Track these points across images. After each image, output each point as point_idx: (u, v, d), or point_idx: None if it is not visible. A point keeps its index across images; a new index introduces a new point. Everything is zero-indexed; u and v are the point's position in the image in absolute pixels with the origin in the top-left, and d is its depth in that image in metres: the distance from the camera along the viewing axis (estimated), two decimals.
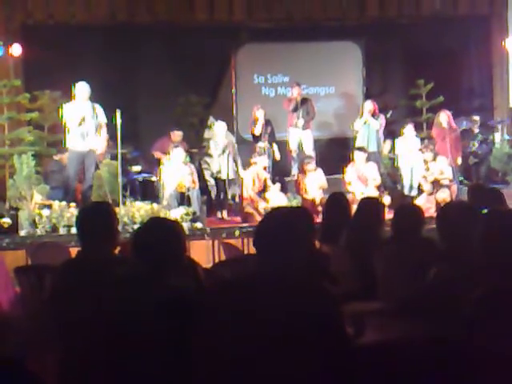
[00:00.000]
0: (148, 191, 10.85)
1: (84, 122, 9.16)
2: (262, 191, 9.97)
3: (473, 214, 3.45)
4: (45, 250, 7.24)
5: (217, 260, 8.14)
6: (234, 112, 12.98)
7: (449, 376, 2.62)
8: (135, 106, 12.11)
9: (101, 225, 3.62)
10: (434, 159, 10.69)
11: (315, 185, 10.15)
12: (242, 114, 12.67)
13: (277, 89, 13.23)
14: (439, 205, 9.48)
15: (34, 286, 5.27)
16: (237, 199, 10.53)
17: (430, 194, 10.40)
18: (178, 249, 3.17)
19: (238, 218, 9.89)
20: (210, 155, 10.41)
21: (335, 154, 12.08)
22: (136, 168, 11.19)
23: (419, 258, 3.87)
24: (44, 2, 11.34)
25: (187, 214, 8.96)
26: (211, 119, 11.70)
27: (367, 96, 12.67)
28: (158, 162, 10.59)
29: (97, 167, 9.57)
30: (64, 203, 8.91)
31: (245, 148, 11.39)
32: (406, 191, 10.97)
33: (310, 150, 11.30)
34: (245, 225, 9.28)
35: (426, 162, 10.71)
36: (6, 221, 8.80)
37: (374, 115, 11.23)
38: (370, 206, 5.46)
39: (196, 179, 9.77)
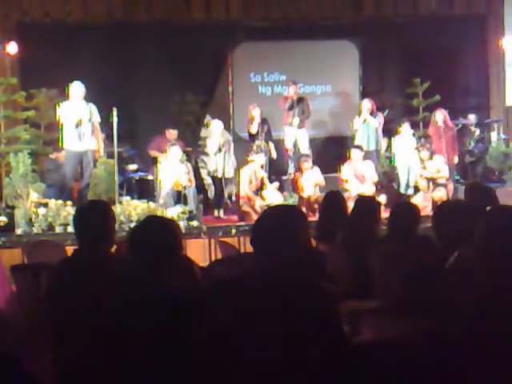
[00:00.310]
0: (144, 190, 10.86)
1: (81, 124, 9.16)
2: (259, 189, 9.97)
3: (469, 212, 3.45)
4: (41, 249, 7.24)
5: (213, 259, 8.13)
6: (231, 110, 12.95)
7: (446, 375, 2.62)
8: (132, 105, 12.07)
9: (98, 223, 3.61)
10: (431, 158, 10.70)
11: (312, 183, 10.16)
12: (239, 112, 12.64)
13: (273, 87, 13.21)
14: (435, 203, 9.50)
15: (30, 284, 5.26)
16: (233, 198, 10.53)
17: (427, 192, 10.41)
18: (174, 247, 3.17)
19: (235, 217, 9.90)
20: (206, 154, 10.40)
21: (331, 152, 12.07)
22: (132, 166, 11.18)
23: (415, 256, 3.88)
24: (40, 0, 11.33)
25: (184, 213, 8.96)
26: (208, 118, 11.69)
27: (364, 95, 12.68)
28: (155, 161, 10.58)
29: (94, 165, 9.57)
30: (60, 202, 8.89)
31: (241, 146, 11.39)
32: (402, 190, 10.99)
33: (305, 148, 11.29)
34: (241, 224, 9.29)
35: (422, 160, 10.72)
36: (2, 219, 8.80)
37: (372, 114, 11.24)
38: (367, 204, 5.45)
39: (192, 178, 9.76)
